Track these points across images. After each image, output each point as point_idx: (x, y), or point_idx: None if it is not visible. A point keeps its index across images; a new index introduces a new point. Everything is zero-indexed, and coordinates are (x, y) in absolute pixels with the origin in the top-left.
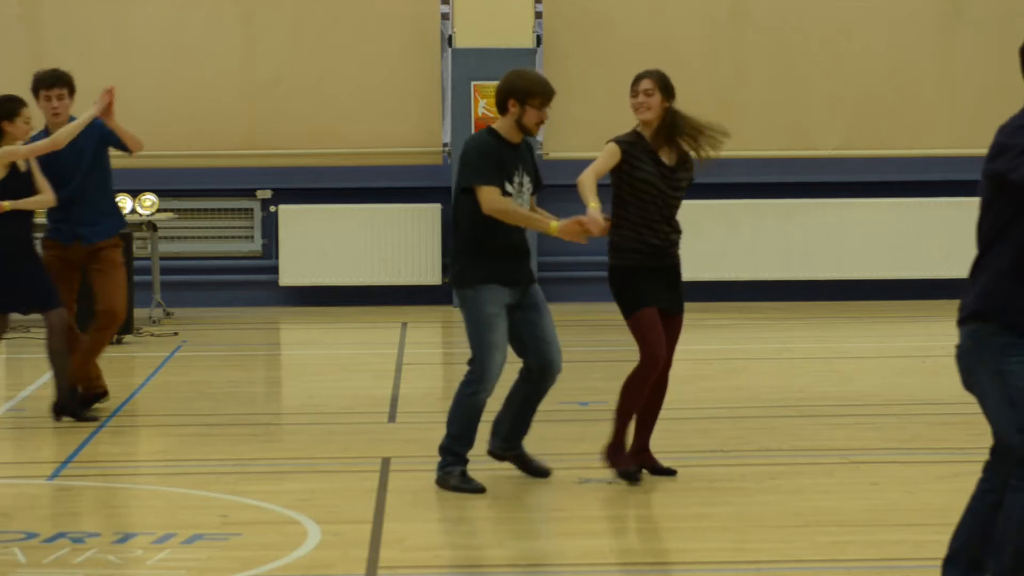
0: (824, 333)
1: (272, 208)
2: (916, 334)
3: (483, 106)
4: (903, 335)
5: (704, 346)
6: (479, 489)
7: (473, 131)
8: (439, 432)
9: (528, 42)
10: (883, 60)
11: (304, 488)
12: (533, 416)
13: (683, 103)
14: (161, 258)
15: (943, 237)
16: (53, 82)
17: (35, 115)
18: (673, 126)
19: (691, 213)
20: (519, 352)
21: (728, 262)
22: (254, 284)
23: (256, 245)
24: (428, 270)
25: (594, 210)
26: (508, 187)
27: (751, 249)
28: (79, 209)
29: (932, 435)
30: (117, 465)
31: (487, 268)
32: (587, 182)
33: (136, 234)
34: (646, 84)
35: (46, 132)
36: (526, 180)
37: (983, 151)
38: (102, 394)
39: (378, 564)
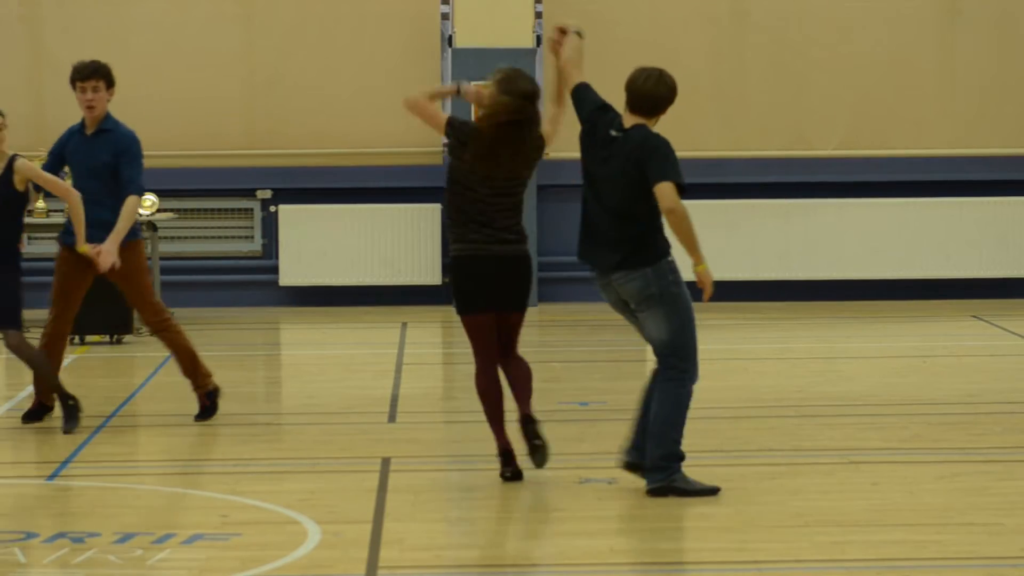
0: (824, 333)
1: (272, 208)
2: (916, 334)
3: None
4: (903, 335)
5: (704, 346)
6: (713, 490)
7: None
8: (439, 432)
9: (528, 42)
10: (883, 60)
11: (304, 488)
12: None
13: (683, 103)
14: (161, 258)
15: (943, 237)
16: (89, 74)
17: (26, 120)
18: None
19: (691, 213)
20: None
21: (728, 262)
22: (254, 284)
23: (256, 245)
24: (428, 270)
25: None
26: None
27: (751, 249)
28: (92, 213)
29: (932, 435)
30: (117, 465)
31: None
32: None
33: None
34: None
35: (82, 124)
36: None
37: (983, 151)
38: (213, 391)
39: (378, 564)
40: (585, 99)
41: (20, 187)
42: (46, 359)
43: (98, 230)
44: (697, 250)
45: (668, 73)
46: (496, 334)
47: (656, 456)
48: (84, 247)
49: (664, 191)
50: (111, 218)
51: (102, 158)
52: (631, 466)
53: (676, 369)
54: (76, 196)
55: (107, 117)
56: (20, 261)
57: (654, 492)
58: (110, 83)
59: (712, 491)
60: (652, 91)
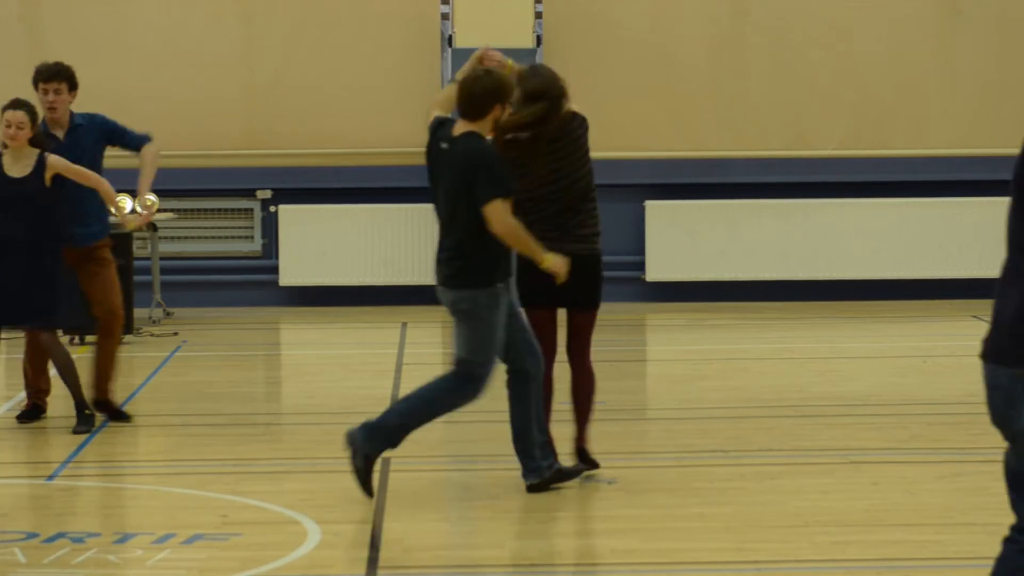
0: (824, 333)
1: (272, 208)
2: (916, 334)
3: None
4: (903, 335)
5: (704, 346)
6: (368, 489)
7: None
8: (439, 432)
9: (528, 42)
10: (883, 60)
11: (304, 488)
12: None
13: (683, 103)
14: (161, 258)
15: (943, 237)
16: (50, 76)
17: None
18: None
19: (691, 213)
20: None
21: (728, 262)
22: (254, 284)
23: (256, 245)
24: (428, 270)
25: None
26: None
27: (751, 249)
28: (72, 209)
29: (932, 435)
30: (117, 465)
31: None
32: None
33: (136, 234)
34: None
35: (45, 125)
36: None
37: (983, 151)
38: (116, 410)
39: (378, 564)
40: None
41: (48, 183)
42: (73, 364)
43: (95, 224)
44: (537, 252)
45: (497, 72)
46: (550, 332)
47: (389, 418)
48: (128, 219)
49: (492, 213)
50: (99, 210)
51: (88, 151)
52: (535, 488)
53: (458, 381)
54: (106, 183)
55: (72, 116)
56: (59, 257)
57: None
58: (73, 85)
59: (368, 490)
60: (469, 92)
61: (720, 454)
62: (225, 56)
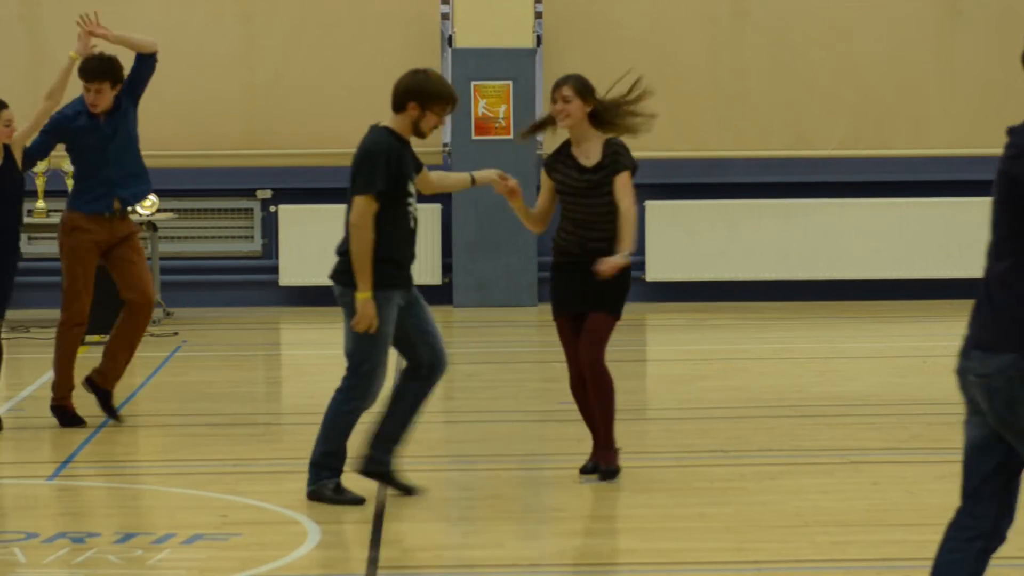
0: (824, 333)
1: (272, 208)
2: (916, 334)
3: (483, 106)
4: (903, 335)
5: (704, 346)
6: (358, 500)
7: (473, 131)
8: (439, 432)
9: (528, 42)
10: (883, 60)
11: (304, 488)
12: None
13: (683, 103)
14: (161, 258)
15: (943, 237)
16: (92, 76)
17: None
18: (602, 123)
19: (691, 213)
20: (405, 352)
21: (728, 262)
22: (254, 284)
23: (256, 245)
24: (428, 270)
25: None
26: (409, 186)
27: (751, 249)
28: (114, 172)
29: (932, 435)
30: (117, 465)
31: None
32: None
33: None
34: (565, 91)
35: (86, 109)
36: (414, 176)
37: (983, 151)
38: (107, 393)
39: (378, 564)
40: None
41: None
42: None
43: (135, 187)
44: (362, 276)
45: (427, 73)
46: (573, 337)
47: (317, 454)
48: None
49: (354, 207)
50: (143, 173)
51: (131, 128)
52: (369, 475)
53: (347, 381)
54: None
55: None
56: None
57: (309, 495)
58: (116, 81)
59: (358, 501)
60: (394, 85)
61: (720, 454)
62: (225, 56)
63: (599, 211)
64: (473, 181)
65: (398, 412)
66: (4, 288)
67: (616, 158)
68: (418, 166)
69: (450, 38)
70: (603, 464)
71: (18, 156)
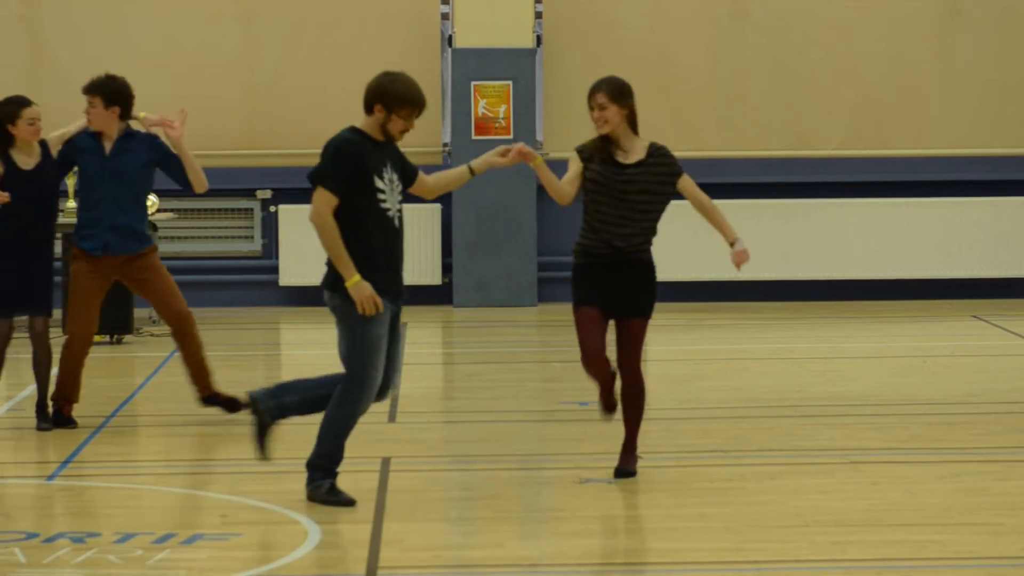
0: (824, 333)
1: (272, 208)
2: (916, 334)
3: (483, 106)
4: (903, 335)
5: (704, 346)
6: (350, 502)
7: (473, 131)
8: (439, 432)
9: (528, 42)
10: (883, 60)
11: (304, 488)
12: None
13: (683, 103)
14: (161, 258)
15: (943, 237)
16: (86, 89)
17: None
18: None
19: (691, 213)
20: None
21: (728, 262)
22: (254, 284)
23: (256, 245)
24: (428, 270)
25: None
26: (379, 183)
27: (751, 249)
28: (106, 209)
29: (932, 435)
30: (117, 465)
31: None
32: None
33: None
34: (599, 98)
35: (92, 135)
36: (395, 176)
37: (983, 151)
38: (229, 399)
39: (378, 564)
40: None
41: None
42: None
43: (125, 237)
44: (343, 264)
45: (394, 74)
46: (600, 331)
47: (312, 455)
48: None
49: (313, 200)
50: (137, 225)
51: (137, 161)
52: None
53: (344, 385)
54: None
55: (124, 131)
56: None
57: (309, 498)
58: (109, 101)
59: (350, 503)
60: (366, 86)
61: (720, 454)
62: (225, 56)
63: (628, 209)
64: (472, 172)
65: (312, 396)
66: (46, 284)
67: (662, 158)
68: (412, 173)
69: (450, 38)
70: (621, 464)
71: (54, 154)
